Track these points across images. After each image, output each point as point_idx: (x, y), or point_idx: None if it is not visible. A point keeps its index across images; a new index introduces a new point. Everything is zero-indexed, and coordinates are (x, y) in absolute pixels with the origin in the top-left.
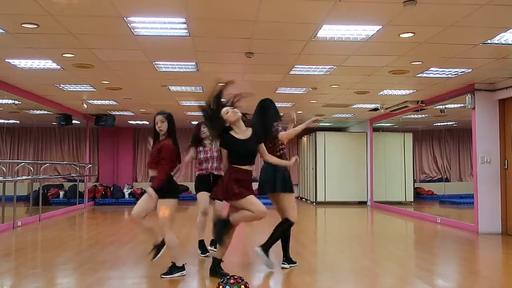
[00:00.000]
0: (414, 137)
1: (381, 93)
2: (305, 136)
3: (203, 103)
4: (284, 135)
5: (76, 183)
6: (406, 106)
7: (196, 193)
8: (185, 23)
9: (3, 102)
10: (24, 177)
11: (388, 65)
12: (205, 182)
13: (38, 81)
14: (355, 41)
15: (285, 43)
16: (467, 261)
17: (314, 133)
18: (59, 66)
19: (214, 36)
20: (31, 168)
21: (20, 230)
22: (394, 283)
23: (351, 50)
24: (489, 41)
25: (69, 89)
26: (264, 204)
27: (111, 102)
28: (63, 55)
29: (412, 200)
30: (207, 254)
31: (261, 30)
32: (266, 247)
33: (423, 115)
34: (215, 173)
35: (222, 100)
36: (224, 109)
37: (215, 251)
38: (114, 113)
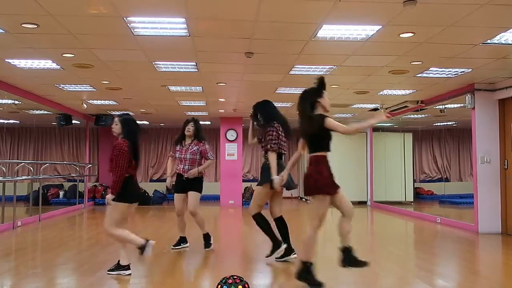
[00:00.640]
0: (414, 137)
1: (381, 93)
2: None
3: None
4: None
5: (76, 183)
6: (406, 106)
7: (174, 193)
8: (185, 23)
9: (3, 102)
10: (24, 177)
11: (388, 65)
12: (179, 183)
13: (38, 81)
14: (355, 41)
15: (285, 43)
16: (467, 261)
17: None
18: (59, 66)
19: (214, 36)
20: (31, 168)
21: (20, 230)
22: (394, 283)
23: (351, 50)
24: (489, 41)
25: (69, 89)
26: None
27: (111, 102)
28: (63, 55)
29: (412, 200)
30: (180, 247)
31: (261, 30)
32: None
33: (423, 115)
34: (185, 175)
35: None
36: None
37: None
38: (114, 113)
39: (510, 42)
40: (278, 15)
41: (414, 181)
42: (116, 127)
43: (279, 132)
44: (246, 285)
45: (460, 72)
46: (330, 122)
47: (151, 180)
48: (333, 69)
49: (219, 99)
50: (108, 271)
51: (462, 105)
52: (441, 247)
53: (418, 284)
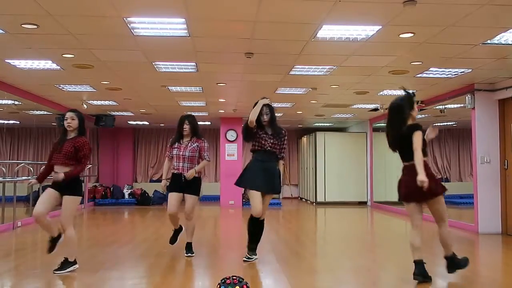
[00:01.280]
0: None
1: (381, 93)
2: (305, 136)
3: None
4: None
5: None
6: None
7: (168, 192)
8: (185, 23)
9: (3, 103)
10: (24, 178)
11: (388, 65)
12: (176, 182)
13: (38, 81)
14: (355, 41)
15: (285, 43)
16: None
17: (314, 133)
18: (59, 67)
19: (214, 37)
20: (31, 168)
21: (20, 230)
22: (394, 283)
23: (351, 50)
24: (489, 41)
25: (69, 89)
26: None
27: (111, 103)
28: (63, 55)
29: None
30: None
31: (261, 30)
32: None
33: (423, 115)
34: (185, 175)
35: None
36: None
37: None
38: (114, 113)
39: (510, 42)
40: (278, 15)
41: None
42: (74, 122)
43: None
44: (245, 286)
45: (460, 72)
46: (416, 136)
47: (151, 181)
48: (333, 69)
49: (219, 100)
50: (54, 270)
51: (462, 105)
52: (441, 247)
53: (418, 284)
